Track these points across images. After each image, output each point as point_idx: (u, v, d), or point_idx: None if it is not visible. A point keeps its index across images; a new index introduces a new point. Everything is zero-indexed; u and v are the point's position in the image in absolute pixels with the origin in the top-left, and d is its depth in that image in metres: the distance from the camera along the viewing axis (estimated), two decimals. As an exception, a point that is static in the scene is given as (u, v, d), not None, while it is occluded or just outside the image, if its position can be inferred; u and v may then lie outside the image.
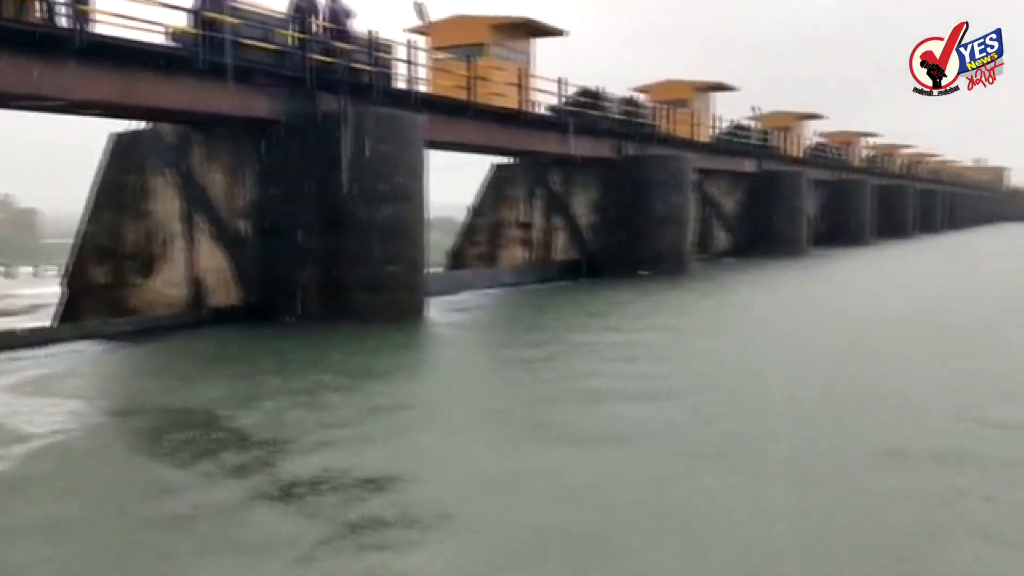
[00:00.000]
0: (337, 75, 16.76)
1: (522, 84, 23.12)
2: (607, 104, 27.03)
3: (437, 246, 29.70)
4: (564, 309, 18.83)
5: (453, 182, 32.34)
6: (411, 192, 16.84)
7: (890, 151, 64.33)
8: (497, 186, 27.84)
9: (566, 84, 24.90)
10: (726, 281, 25.81)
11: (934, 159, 77.39)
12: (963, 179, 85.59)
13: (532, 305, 20.21)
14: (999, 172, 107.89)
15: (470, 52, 21.58)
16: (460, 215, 29.37)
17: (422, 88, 19.80)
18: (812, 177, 42.60)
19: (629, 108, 28.37)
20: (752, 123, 40.30)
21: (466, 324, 17.15)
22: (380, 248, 16.23)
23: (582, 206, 28.51)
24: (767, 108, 42.99)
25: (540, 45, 24.64)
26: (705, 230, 35.67)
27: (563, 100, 25.03)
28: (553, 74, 24.54)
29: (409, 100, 18.49)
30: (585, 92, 26.41)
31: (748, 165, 37.75)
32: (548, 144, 24.87)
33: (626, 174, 27.56)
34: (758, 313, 18.42)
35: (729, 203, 38.28)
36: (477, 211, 27.87)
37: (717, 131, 35.76)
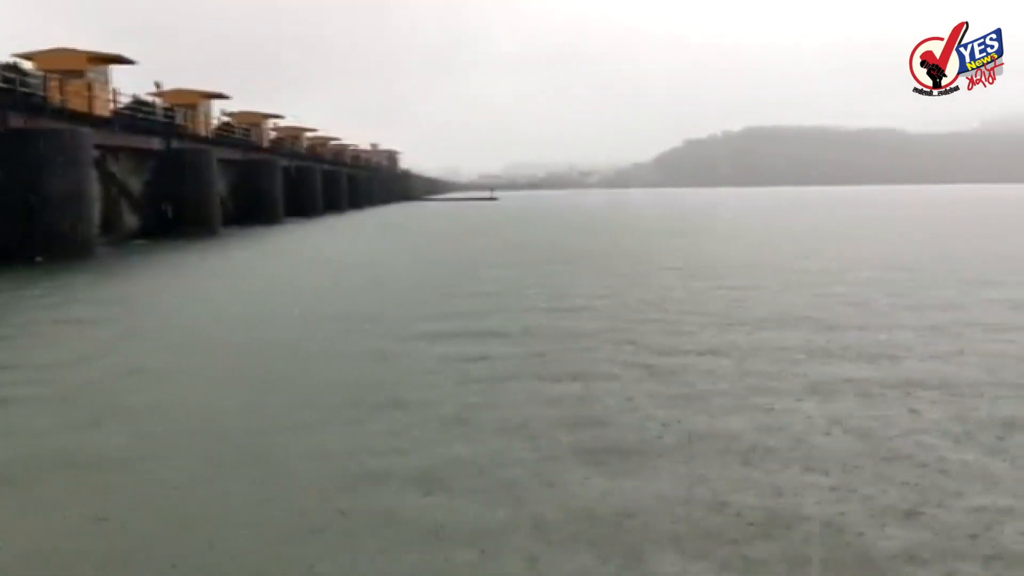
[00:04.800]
0: None
1: None
2: (-18, 69, 23.84)
3: None
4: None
5: None
6: None
7: (296, 133, 67.33)
8: None
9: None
10: (126, 271, 24.54)
11: (336, 142, 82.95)
12: (362, 161, 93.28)
13: None
14: (393, 155, 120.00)
15: None
16: None
17: None
18: (222, 157, 42.65)
19: (12, 75, 25.41)
20: (156, 99, 38.97)
21: None
22: None
23: (-43, 185, 24.76)
24: (172, 85, 41.98)
25: None
26: (111, 211, 33.53)
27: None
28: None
29: None
30: (-48, 53, 22.93)
31: (155, 143, 36.39)
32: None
33: (12, 149, 24.60)
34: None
35: (137, 183, 36.48)
36: None
37: (118, 106, 33.83)
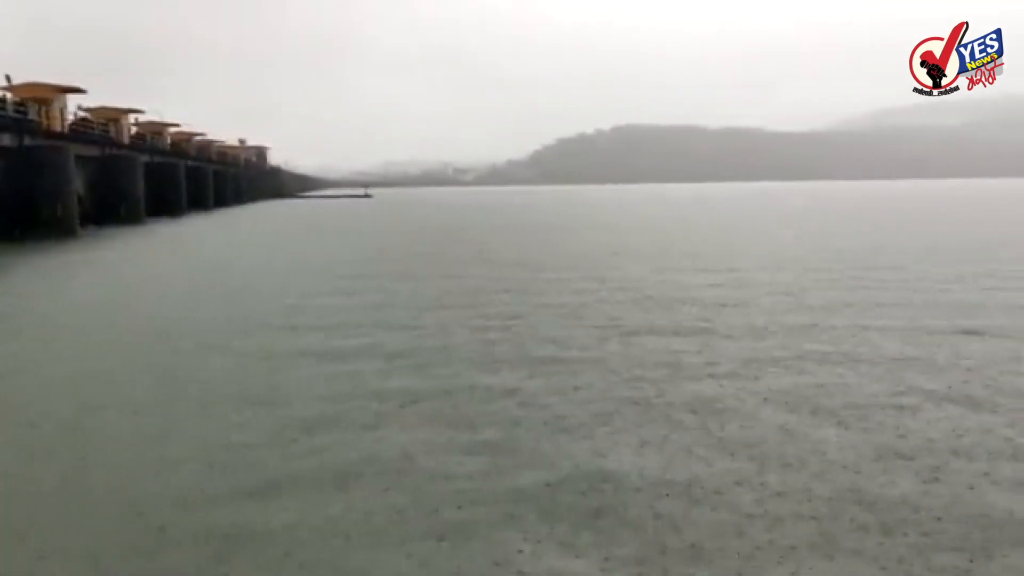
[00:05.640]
0: None
1: None
2: None
3: None
4: None
5: None
6: None
7: (158, 129, 65.25)
8: None
9: None
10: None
11: (201, 138, 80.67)
12: (229, 158, 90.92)
13: None
14: (262, 151, 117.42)
15: None
16: None
17: None
18: (79, 153, 41.10)
19: None
20: (6, 94, 37.37)
21: None
22: None
23: None
24: (23, 79, 40.30)
25: None
26: (-43, 211, 31.98)
27: None
28: None
29: None
30: None
31: (5, 139, 34.87)
32: None
33: None
34: None
35: (-15, 181, 34.86)
36: None
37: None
